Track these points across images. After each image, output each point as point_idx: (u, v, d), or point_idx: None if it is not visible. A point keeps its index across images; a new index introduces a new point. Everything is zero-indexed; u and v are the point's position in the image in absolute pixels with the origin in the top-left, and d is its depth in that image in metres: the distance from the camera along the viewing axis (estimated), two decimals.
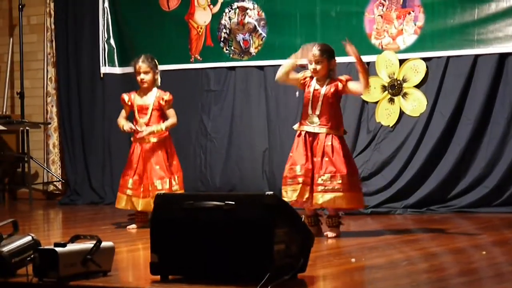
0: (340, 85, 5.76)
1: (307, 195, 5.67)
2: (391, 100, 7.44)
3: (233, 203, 3.82)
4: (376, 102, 7.50)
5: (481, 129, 7.17)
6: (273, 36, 7.95)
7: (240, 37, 8.11)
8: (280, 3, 7.91)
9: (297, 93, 6.08)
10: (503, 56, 7.11)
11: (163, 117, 6.45)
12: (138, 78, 6.46)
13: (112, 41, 8.73)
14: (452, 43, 7.23)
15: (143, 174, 6.39)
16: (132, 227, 6.40)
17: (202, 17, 8.30)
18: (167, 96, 6.44)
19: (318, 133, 5.73)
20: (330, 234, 5.68)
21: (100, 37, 8.75)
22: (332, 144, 5.69)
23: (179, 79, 8.13)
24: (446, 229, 6.13)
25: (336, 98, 5.79)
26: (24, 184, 9.18)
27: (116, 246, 4.27)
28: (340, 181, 5.64)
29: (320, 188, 5.65)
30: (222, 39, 8.20)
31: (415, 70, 7.35)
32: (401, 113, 7.42)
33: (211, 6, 8.25)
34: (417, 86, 7.36)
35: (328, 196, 5.64)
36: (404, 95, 7.39)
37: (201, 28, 8.30)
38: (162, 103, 6.42)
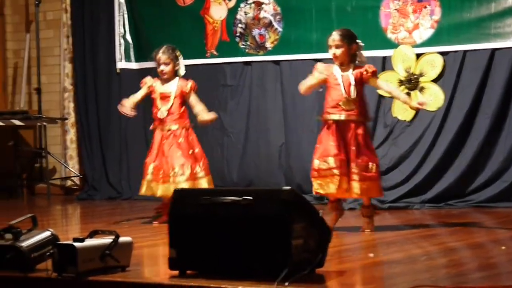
0: (364, 73, 5.73)
1: (345, 186, 5.65)
2: (408, 95, 7.39)
3: (251, 198, 3.83)
4: (393, 97, 7.48)
5: (499, 123, 7.14)
6: (289, 31, 7.94)
7: (256, 31, 8.10)
8: None
9: (320, 89, 6.06)
10: None
11: (184, 105, 6.51)
12: (158, 69, 6.54)
13: (128, 37, 8.75)
14: (469, 37, 7.20)
15: (163, 160, 6.41)
16: (156, 223, 6.40)
17: (217, 12, 8.30)
18: (190, 83, 6.52)
19: (347, 121, 5.68)
20: (367, 230, 5.70)
21: (116, 33, 8.77)
22: (362, 132, 5.68)
23: (195, 74, 8.10)
24: (465, 224, 6.12)
25: (361, 84, 5.75)
26: (42, 180, 9.22)
27: (134, 241, 4.28)
28: (375, 170, 5.66)
29: (356, 177, 5.63)
30: (238, 34, 8.19)
31: (432, 64, 7.33)
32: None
33: (227, 1, 8.24)
34: (434, 81, 7.34)
35: (365, 185, 5.65)
36: (421, 89, 7.36)
37: (216, 23, 8.30)
38: (185, 90, 6.47)
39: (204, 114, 6.49)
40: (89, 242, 4.01)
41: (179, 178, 6.35)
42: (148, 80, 6.64)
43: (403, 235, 5.54)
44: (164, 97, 6.52)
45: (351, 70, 5.76)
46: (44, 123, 9.04)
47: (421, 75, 7.35)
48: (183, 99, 6.53)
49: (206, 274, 3.90)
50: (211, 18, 8.33)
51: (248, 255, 3.82)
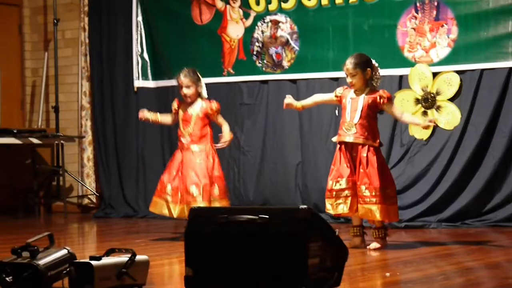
0: (379, 100, 5.81)
1: (355, 207, 5.76)
2: (425, 113, 7.40)
3: (267, 216, 3.82)
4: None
5: None
6: (305, 50, 7.96)
7: (272, 50, 8.12)
8: (312, 17, 7.92)
9: (336, 111, 6.12)
10: None
11: (206, 126, 6.54)
12: (181, 92, 6.60)
13: (145, 55, 8.79)
14: (486, 56, 7.19)
15: (181, 181, 6.43)
16: None
17: (234, 30, 8.33)
18: (214, 105, 6.56)
19: (355, 143, 5.78)
20: (372, 245, 5.78)
21: (134, 51, 8.81)
22: (367, 155, 5.76)
23: (212, 92, 8.10)
24: (482, 243, 6.09)
25: (373, 110, 5.84)
26: (59, 198, 9.25)
27: (151, 260, 4.28)
28: (374, 193, 5.68)
29: (360, 199, 5.75)
30: (254, 53, 8.22)
31: (449, 83, 7.32)
32: (435, 126, 7.37)
33: (244, 19, 8.28)
34: (451, 99, 7.32)
35: (365, 207, 5.72)
36: (438, 108, 7.35)
37: (233, 42, 8.33)
38: (210, 112, 6.52)
39: (226, 135, 6.57)
40: (105, 260, 4.02)
41: (197, 198, 6.35)
42: (175, 104, 6.70)
43: (419, 254, 5.52)
44: (186, 120, 6.55)
45: (363, 94, 5.84)
46: (62, 141, 9.08)
47: (437, 93, 7.34)
48: (207, 121, 6.56)
49: None
50: (228, 37, 8.36)
51: (265, 274, 3.81)
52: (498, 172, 7.13)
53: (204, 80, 6.75)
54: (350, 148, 5.82)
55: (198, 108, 6.57)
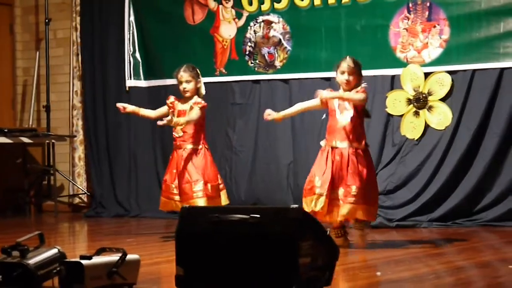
0: (361, 95, 5.85)
1: (326, 207, 5.76)
2: (416, 114, 7.41)
3: (258, 216, 3.82)
4: (401, 116, 7.48)
5: (507, 143, 7.13)
6: (298, 50, 7.96)
7: (265, 50, 8.12)
8: (305, 17, 7.92)
9: (323, 115, 6.14)
10: None
11: (200, 125, 6.52)
12: (181, 87, 6.58)
13: (137, 55, 8.78)
14: (477, 57, 7.20)
15: (180, 180, 6.43)
16: None
17: (227, 30, 8.33)
18: (201, 102, 6.51)
19: (342, 147, 5.81)
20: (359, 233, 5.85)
21: (126, 51, 8.80)
22: (356, 157, 5.78)
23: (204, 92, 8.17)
24: (472, 242, 6.10)
25: (357, 110, 5.86)
26: (50, 197, 9.23)
27: (142, 259, 4.27)
28: (355, 193, 5.69)
29: (340, 201, 5.74)
30: (247, 53, 8.22)
31: (441, 84, 7.33)
32: (426, 126, 7.40)
33: (236, 19, 8.27)
34: (443, 100, 7.34)
35: (346, 207, 5.72)
36: (430, 108, 7.36)
37: (226, 42, 8.33)
38: (193, 106, 6.48)
39: (179, 119, 6.48)
40: (96, 259, 4.01)
41: (197, 194, 6.37)
42: (171, 97, 6.66)
43: (410, 254, 5.53)
44: (180, 115, 6.54)
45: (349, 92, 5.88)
46: (53, 141, 9.06)
47: (429, 94, 7.35)
48: (200, 119, 6.54)
49: None
50: (220, 37, 8.35)
51: (256, 273, 3.81)
52: (489, 172, 7.15)
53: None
54: (336, 153, 5.82)
55: (190, 104, 6.55)
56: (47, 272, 4.08)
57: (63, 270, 3.95)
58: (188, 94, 6.54)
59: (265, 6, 8.10)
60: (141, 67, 8.77)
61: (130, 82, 8.81)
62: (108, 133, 8.97)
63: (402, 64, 7.46)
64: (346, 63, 5.87)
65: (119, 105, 6.85)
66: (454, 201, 7.20)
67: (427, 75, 7.36)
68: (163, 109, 6.69)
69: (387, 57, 7.50)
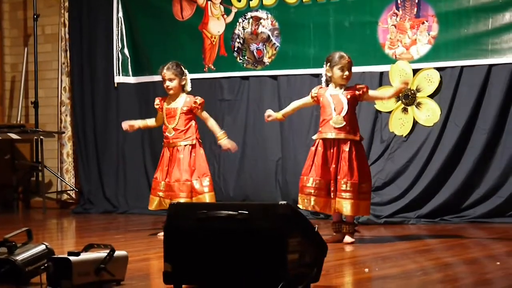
0: (357, 92, 5.91)
1: (320, 204, 5.84)
2: (405, 110, 7.43)
3: (247, 212, 3.82)
4: (390, 112, 7.50)
5: (495, 139, 7.15)
6: (286, 46, 7.96)
7: (253, 46, 8.12)
8: (293, 13, 7.92)
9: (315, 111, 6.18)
10: None
11: (192, 121, 6.51)
12: (164, 85, 6.58)
13: (126, 51, 8.76)
14: (466, 53, 7.22)
15: (172, 177, 6.42)
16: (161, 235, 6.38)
17: (215, 26, 8.32)
18: (199, 100, 6.54)
19: (335, 139, 5.84)
20: (346, 239, 5.85)
21: (114, 47, 8.78)
22: (349, 150, 5.82)
23: (192, 88, 8.08)
24: (460, 239, 6.12)
25: (353, 104, 5.93)
26: (38, 193, 9.21)
27: (130, 255, 4.27)
28: (350, 188, 5.72)
29: (338, 193, 5.79)
30: (235, 49, 8.21)
31: (429, 80, 7.34)
32: (415, 123, 7.41)
33: (225, 16, 8.27)
34: (431, 96, 7.35)
35: (342, 202, 5.77)
36: (418, 105, 7.37)
37: (214, 38, 8.32)
38: (195, 106, 6.52)
39: (224, 139, 6.61)
40: (84, 256, 4.00)
41: (181, 194, 6.38)
42: (156, 100, 6.66)
43: (398, 250, 5.53)
44: (171, 114, 6.53)
45: (342, 90, 5.93)
46: (41, 137, 9.04)
47: (418, 90, 7.36)
48: (191, 115, 6.54)
49: None
50: (209, 33, 8.35)
51: (244, 270, 3.81)
52: (477, 168, 7.16)
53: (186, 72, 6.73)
54: (330, 145, 5.86)
55: (182, 102, 6.55)
56: (35, 268, 4.07)
57: (51, 266, 3.94)
58: (171, 92, 6.55)
59: (254, 3, 8.10)
60: (129, 63, 8.76)
61: (118, 78, 8.80)
62: (96, 129, 8.95)
63: (390, 60, 7.47)
64: (345, 59, 5.92)
65: (125, 125, 6.77)
66: (442, 198, 7.22)
67: (415, 71, 7.38)
68: (159, 114, 6.69)
69: (375, 53, 7.51)
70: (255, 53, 8.11)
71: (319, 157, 5.86)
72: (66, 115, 9.15)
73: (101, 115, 8.91)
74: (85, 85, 9.02)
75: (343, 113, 5.85)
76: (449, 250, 5.58)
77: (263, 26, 8.08)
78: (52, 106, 9.36)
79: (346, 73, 5.91)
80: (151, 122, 6.82)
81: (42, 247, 4.18)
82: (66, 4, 9.12)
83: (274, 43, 8.02)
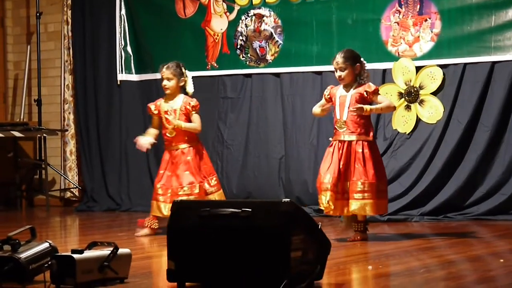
0: (366, 94, 5.83)
1: (333, 202, 5.77)
2: (408, 107, 7.42)
3: (250, 210, 3.82)
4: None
5: (498, 136, 7.14)
6: (289, 43, 7.96)
7: (256, 44, 8.12)
8: (296, 11, 7.92)
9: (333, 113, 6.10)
10: None
11: (190, 122, 6.48)
12: (162, 84, 6.52)
13: (129, 48, 8.77)
14: (469, 50, 7.21)
15: (172, 179, 6.38)
16: (141, 234, 6.36)
17: (218, 24, 8.32)
18: (193, 102, 6.45)
19: (348, 141, 5.81)
20: (353, 237, 5.84)
21: (117, 44, 8.79)
22: (362, 151, 5.79)
23: (195, 86, 8.06)
24: (463, 236, 6.12)
25: (362, 103, 5.83)
26: (41, 191, 9.22)
27: (133, 253, 4.27)
28: (368, 189, 5.72)
29: (352, 195, 5.76)
30: (238, 46, 8.21)
31: (432, 77, 7.34)
32: (418, 120, 7.41)
33: (228, 13, 8.27)
34: (434, 93, 7.35)
35: (359, 203, 5.76)
36: (421, 102, 7.37)
37: (217, 35, 8.32)
38: (189, 108, 6.43)
39: (183, 123, 6.39)
40: (87, 253, 4.01)
41: (190, 197, 6.29)
42: (151, 106, 6.53)
43: (402, 248, 5.53)
44: (169, 115, 6.44)
45: (352, 90, 5.86)
46: (44, 135, 9.05)
47: (421, 87, 7.36)
48: (188, 116, 6.47)
49: (205, 286, 3.90)
50: (212, 31, 8.35)
51: (247, 267, 3.81)
52: (480, 166, 7.16)
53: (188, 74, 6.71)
54: (342, 144, 5.83)
55: (180, 103, 6.48)
56: (39, 266, 4.07)
57: (54, 264, 3.94)
58: (168, 92, 6.47)
59: (257, 0, 8.10)
60: (132, 61, 8.76)
61: (121, 76, 8.80)
62: (99, 127, 8.96)
63: (393, 58, 7.46)
64: (335, 60, 5.87)
65: (141, 146, 6.52)
66: (445, 195, 7.22)
67: (418, 69, 7.38)
68: (155, 120, 6.57)
69: (378, 51, 7.50)
70: (258, 50, 8.11)
71: (336, 156, 5.80)
72: (69, 113, 9.16)
73: (104, 112, 8.92)
74: (88, 82, 9.02)
75: (344, 117, 5.82)
76: (453, 247, 5.58)
77: (266, 24, 8.07)
78: (55, 104, 9.37)
79: (338, 73, 5.85)
80: (154, 131, 6.56)
81: (46, 245, 4.18)
82: (69, 1, 9.12)
83: (277, 41, 8.02)
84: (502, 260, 4.85)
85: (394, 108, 6.09)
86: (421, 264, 4.87)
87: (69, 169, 9.15)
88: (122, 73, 8.79)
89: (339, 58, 5.85)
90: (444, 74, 7.32)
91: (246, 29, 8.17)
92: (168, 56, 7.57)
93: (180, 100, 6.48)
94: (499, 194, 7.09)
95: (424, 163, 7.32)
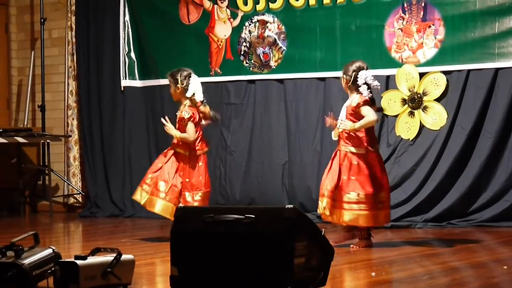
0: (353, 104, 5.87)
1: (329, 208, 5.81)
2: (411, 114, 7.42)
3: (253, 216, 3.82)
4: (396, 116, 7.49)
5: (501, 143, 7.14)
6: (293, 50, 7.96)
7: (260, 50, 8.12)
8: (300, 17, 7.92)
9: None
10: None
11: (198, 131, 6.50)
12: None
13: (132, 54, 8.77)
14: (472, 57, 7.21)
15: (162, 174, 6.41)
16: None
17: (222, 30, 8.33)
18: (187, 114, 6.39)
19: (345, 152, 5.85)
20: (355, 244, 5.85)
21: (121, 50, 8.79)
22: (358, 163, 5.82)
23: None
24: (467, 243, 6.11)
25: (354, 115, 5.86)
26: (45, 197, 9.22)
27: (136, 259, 4.27)
28: (365, 200, 5.71)
29: (346, 206, 5.78)
30: (242, 53, 8.22)
31: (435, 84, 7.34)
32: (421, 126, 7.41)
33: (231, 19, 8.27)
34: (437, 100, 7.34)
35: (352, 214, 5.78)
36: (424, 108, 7.37)
37: (221, 42, 8.33)
38: (182, 117, 6.44)
39: (177, 132, 6.42)
40: (91, 259, 4.01)
41: (162, 194, 6.35)
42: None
43: (405, 254, 5.53)
44: (167, 122, 6.52)
45: (348, 100, 5.96)
46: (48, 140, 9.06)
47: (424, 94, 7.36)
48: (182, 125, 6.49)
49: None
50: (215, 37, 8.35)
51: (250, 273, 3.81)
52: (484, 172, 7.15)
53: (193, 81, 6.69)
54: (341, 156, 5.87)
55: (181, 110, 6.51)
56: (42, 272, 4.08)
57: (58, 270, 3.95)
58: (174, 98, 6.55)
59: (260, 6, 8.11)
60: (136, 67, 8.77)
61: (125, 82, 8.81)
62: (103, 133, 8.96)
63: (397, 64, 7.46)
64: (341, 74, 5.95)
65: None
66: (449, 202, 7.21)
67: (422, 75, 7.37)
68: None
69: (382, 57, 7.50)
70: (261, 56, 8.12)
71: (336, 164, 5.84)
72: (73, 119, 9.16)
73: (108, 118, 8.92)
74: (92, 88, 9.03)
75: (337, 126, 5.87)
76: (456, 254, 5.57)
77: (270, 30, 8.08)
78: (58, 110, 9.37)
79: (344, 85, 5.95)
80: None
81: (49, 251, 4.18)
82: (73, 8, 9.13)
83: (281, 47, 8.02)
84: (505, 267, 4.85)
85: (376, 121, 6.01)
86: (424, 270, 4.87)
87: (73, 175, 9.15)
88: (125, 79, 8.80)
89: (342, 73, 5.97)
90: (447, 80, 7.32)
91: (250, 35, 8.18)
92: (172, 62, 7.58)
93: (182, 108, 6.49)
94: (502, 200, 7.08)
95: (428, 170, 7.32)
